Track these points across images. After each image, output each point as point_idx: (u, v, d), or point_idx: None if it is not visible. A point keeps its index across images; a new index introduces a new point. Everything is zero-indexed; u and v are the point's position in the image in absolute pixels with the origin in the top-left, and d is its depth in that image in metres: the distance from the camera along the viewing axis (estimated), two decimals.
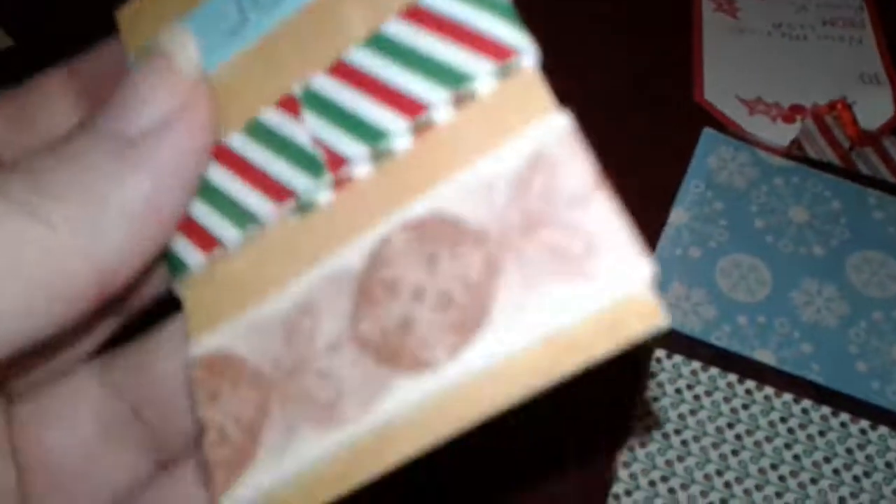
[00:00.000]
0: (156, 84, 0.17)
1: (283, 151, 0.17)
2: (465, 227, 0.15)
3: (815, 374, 0.42)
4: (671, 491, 0.38)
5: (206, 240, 0.17)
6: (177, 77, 0.17)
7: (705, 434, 0.39)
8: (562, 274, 0.14)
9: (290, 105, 0.17)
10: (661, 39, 0.56)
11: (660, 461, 0.39)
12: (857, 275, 0.45)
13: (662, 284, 0.44)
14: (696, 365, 0.42)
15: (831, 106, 0.49)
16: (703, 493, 0.38)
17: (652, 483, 0.38)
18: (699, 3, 0.57)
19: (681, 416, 0.40)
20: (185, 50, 0.17)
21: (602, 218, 0.14)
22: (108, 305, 0.17)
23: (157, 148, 0.16)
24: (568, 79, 0.58)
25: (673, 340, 0.43)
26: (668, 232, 0.46)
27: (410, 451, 0.14)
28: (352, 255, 0.15)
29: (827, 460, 0.39)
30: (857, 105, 0.50)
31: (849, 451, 0.39)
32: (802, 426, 0.40)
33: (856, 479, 0.38)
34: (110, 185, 0.16)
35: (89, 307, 0.16)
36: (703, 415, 0.40)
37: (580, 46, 0.56)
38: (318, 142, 0.17)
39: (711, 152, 0.49)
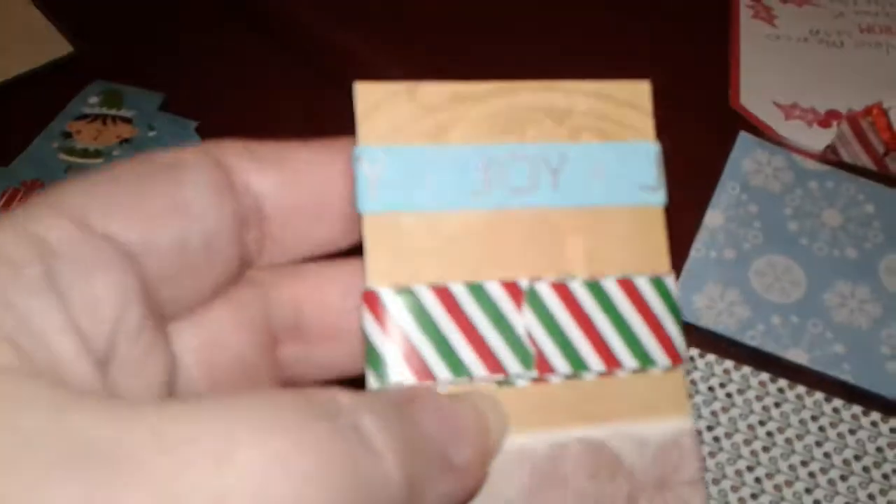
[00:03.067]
0: (466, 436, 0.18)
1: (504, 332, 0.20)
2: (621, 463, 0.20)
3: (846, 373, 0.43)
4: None
5: (423, 372, 0.20)
6: (487, 448, 0.19)
7: (737, 431, 0.41)
8: None
9: (515, 293, 0.20)
10: (700, 46, 0.57)
11: None
12: (890, 277, 0.46)
13: (697, 285, 0.45)
14: (729, 364, 0.43)
15: (867, 111, 0.50)
16: (734, 488, 0.39)
17: None
18: (737, 10, 0.58)
19: (713, 414, 0.41)
20: (500, 428, 0.20)
21: (699, 499, 0.20)
22: None
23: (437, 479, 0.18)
24: None
25: (706, 339, 0.44)
26: (703, 233, 0.47)
27: None
28: (536, 441, 0.20)
29: (857, 458, 0.40)
30: (892, 110, 0.51)
31: (879, 449, 0.40)
32: (833, 424, 0.41)
33: (885, 476, 0.39)
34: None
35: None
36: (734, 412, 0.41)
37: (618, 53, 0.57)
38: (532, 339, 0.20)
39: (747, 156, 0.50)
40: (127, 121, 0.56)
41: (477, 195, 0.21)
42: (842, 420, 0.41)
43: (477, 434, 0.19)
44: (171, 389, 0.19)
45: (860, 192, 0.48)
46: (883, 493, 0.39)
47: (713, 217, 0.48)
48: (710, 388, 0.42)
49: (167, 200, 0.18)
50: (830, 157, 0.50)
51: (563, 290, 0.21)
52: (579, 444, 0.20)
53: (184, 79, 0.57)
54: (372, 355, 0.20)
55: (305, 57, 0.58)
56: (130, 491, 0.13)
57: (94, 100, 0.57)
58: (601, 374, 0.20)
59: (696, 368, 0.42)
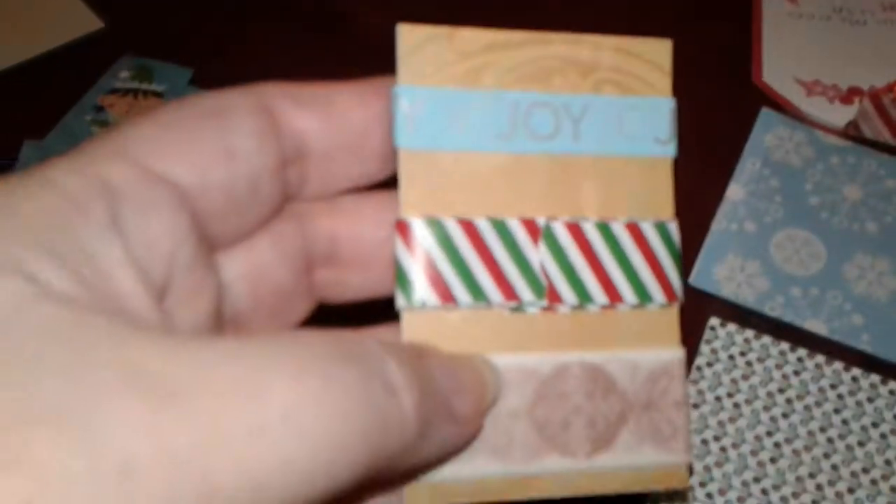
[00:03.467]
0: (467, 391, 0.21)
1: (520, 264, 0.23)
2: (615, 385, 0.23)
3: (865, 344, 0.43)
4: (723, 449, 0.40)
5: (446, 294, 0.22)
6: (483, 403, 0.21)
7: (757, 398, 0.41)
8: (655, 441, 0.23)
9: (532, 230, 0.23)
10: (723, 24, 0.58)
11: (712, 422, 0.41)
12: None
13: (718, 257, 0.46)
14: (750, 333, 0.43)
15: (888, 87, 0.51)
16: (753, 452, 0.40)
17: (705, 441, 0.40)
18: None
19: (733, 381, 0.42)
20: (495, 388, 0.22)
21: (684, 422, 0.23)
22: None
23: (438, 432, 0.20)
24: None
25: (727, 310, 0.45)
26: (724, 207, 0.48)
27: (542, 495, 0.22)
28: (542, 362, 0.22)
29: (875, 425, 0.41)
30: None
31: None
32: (852, 393, 0.42)
33: None
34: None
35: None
36: (755, 380, 0.42)
37: (641, 31, 0.58)
38: (545, 272, 0.23)
39: (768, 131, 0.50)
40: (158, 95, 0.57)
41: (503, 139, 0.23)
42: (860, 388, 0.42)
43: (476, 390, 0.21)
44: (218, 314, 0.21)
45: (881, 168, 0.49)
46: None
47: (735, 191, 0.48)
48: (731, 357, 0.43)
49: (217, 145, 0.20)
50: (852, 133, 0.51)
51: (575, 230, 0.23)
52: (579, 367, 0.22)
53: (212, 54, 0.58)
54: (401, 278, 0.22)
55: (330, 34, 0.59)
56: (179, 421, 0.14)
57: (124, 74, 0.58)
58: (604, 307, 0.23)
59: (717, 338, 0.43)
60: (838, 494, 0.39)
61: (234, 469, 0.15)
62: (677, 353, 0.23)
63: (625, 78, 0.24)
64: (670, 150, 0.24)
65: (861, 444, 0.40)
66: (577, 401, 0.22)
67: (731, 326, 0.44)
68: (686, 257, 0.47)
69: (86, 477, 0.13)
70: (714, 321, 0.44)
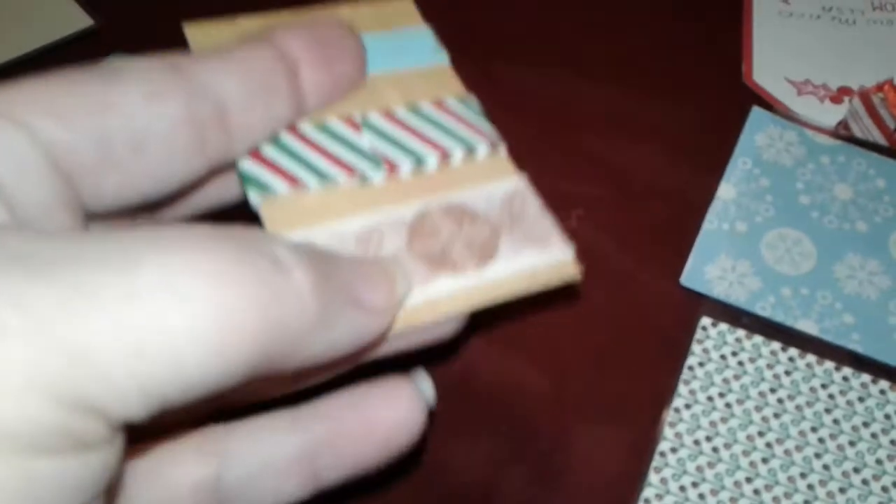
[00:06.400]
0: (375, 281, 0.21)
1: (352, 149, 0.25)
2: (477, 213, 0.25)
3: (855, 343, 0.43)
4: (715, 450, 0.40)
5: (291, 179, 0.24)
6: (393, 296, 0.22)
7: (748, 398, 0.42)
8: (534, 243, 0.25)
9: (352, 124, 0.26)
10: (712, 23, 0.58)
11: (704, 422, 0.41)
12: None
13: (709, 256, 0.46)
14: (741, 333, 0.44)
15: (878, 87, 0.51)
16: (746, 453, 0.40)
17: (696, 442, 0.40)
18: None
19: (725, 381, 0.42)
20: (405, 285, 0.23)
21: (551, 224, 0.26)
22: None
23: (348, 322, 0.20)
24: (625, 62, 0.60)
25: (719, 310, 0.45)
26: (715, 206, 0.48)
27: (444, 315, 0.24)
28: (404, 211, 0.25)
29: (866, 425, 0.41)
30: None
31: (887, 416, 0.41)
32: (843, 392, 0.42)
33: (893, 442, 0.40)
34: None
35: None
36: (746, 380, 0.42)
37: (632, 28, 0.58)
38: (376, 151, 0.25)
39: (759, 131, 0.50)
40: None
41: None
42: (851, 388, 0.42)
43: (384, 281, 0.22)
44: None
45: (871, 167, 0.49)
46: (890, 458, 0.40)
47: (726, 190, 0.48)
48: (723, 357, 0.43)
49: (93, 98, 0.19)
50: (842, 133, 0.51)
51: (389, 115, 0.26)
52: (438, 207, 0.25)
53: None
54: (247, 180, 0.23)
55: None
56: (47, 288, 0.15)
57: None
58: (439, 164, 0.26)
59: (708, 337, 0.43)
60: (829, 494, 0.39)
61: (109, 332, 0.15)
62: (520, 178, 0.26)
63: (385, 20, 0.29)
64: (444, 57, 0.29)
65: (852, 443, 0.40)
66: (448, 231, 0.25)
67: (723, 326, 0.44)
68: (677, 257, 0.47)
69: None
70: (705, 321, 0.44)
